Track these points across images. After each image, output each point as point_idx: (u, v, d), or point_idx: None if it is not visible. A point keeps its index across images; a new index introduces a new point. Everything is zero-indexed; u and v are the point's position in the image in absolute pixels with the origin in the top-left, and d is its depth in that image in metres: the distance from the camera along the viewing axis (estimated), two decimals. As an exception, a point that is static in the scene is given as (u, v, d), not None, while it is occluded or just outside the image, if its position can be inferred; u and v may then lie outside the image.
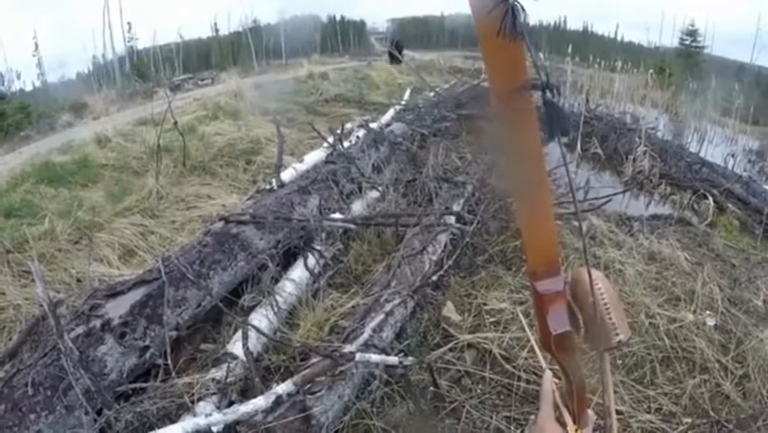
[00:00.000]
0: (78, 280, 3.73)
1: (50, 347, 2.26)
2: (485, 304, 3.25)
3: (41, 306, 2.61)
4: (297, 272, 3.10)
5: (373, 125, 6.99)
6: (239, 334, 2.53)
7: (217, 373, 2.38)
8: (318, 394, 2.15)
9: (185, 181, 5.70)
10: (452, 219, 3.82)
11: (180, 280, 2.66)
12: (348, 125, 7.09)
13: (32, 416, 2.02)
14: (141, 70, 30.62)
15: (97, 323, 2.38)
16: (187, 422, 1.94)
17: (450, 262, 3.39)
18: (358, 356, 2.23)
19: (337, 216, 3.61)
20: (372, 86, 13.17)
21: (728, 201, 6.75)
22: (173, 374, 2.42)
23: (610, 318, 0.82)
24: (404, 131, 6.46)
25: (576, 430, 0.89)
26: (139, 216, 4.78)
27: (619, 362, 3.04)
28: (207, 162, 6.14)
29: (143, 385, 2.34)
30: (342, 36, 39.34)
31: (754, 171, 9.36)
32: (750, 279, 4.47)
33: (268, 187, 4.28)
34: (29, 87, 29.94)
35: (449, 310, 3.13)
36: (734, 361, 3.24)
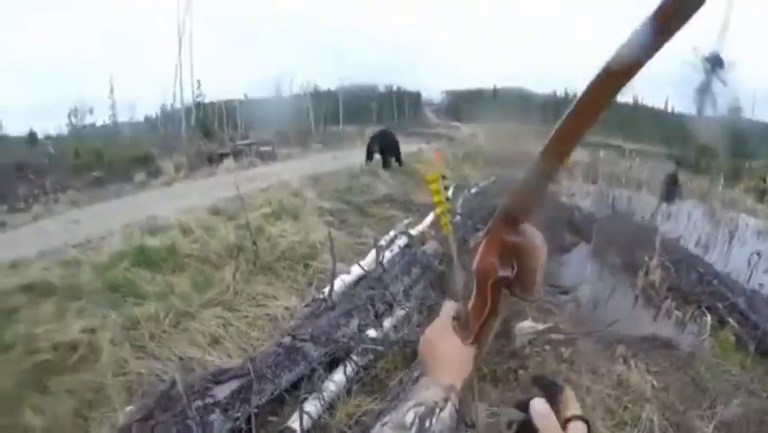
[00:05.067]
0: (180, 359, 5.52)
1: (179, 410, 3.99)
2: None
3: (165, 381, 4.41)
4: (338, 376, 4.80)
5: (413, 231, 8.86)
6: (296, 415, 4.20)
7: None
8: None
9: (254, 280, 7.40)
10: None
11: (262, 376, 4.40)
12: (391, 233, 8.89)
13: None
14: (206, 126, 33.86)
15: (210, 400, 4.13)
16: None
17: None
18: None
19: (372, 333, 5.35)
20: (419, 181, 14.93)
21: (731, 316, 7.36)
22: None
23: (539, 278, 1.01)
24: (435, 249, 8.16)
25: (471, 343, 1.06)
26: (220, 309, 6.47)
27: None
28: (273, 263, 7.92)
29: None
30: (398, 105, 41.91)
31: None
32: (711, 404, 5.10)
33: (320, 296, 6.10)
34: (99, 123, 33.51)
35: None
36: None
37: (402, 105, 41.23)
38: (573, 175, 17.01)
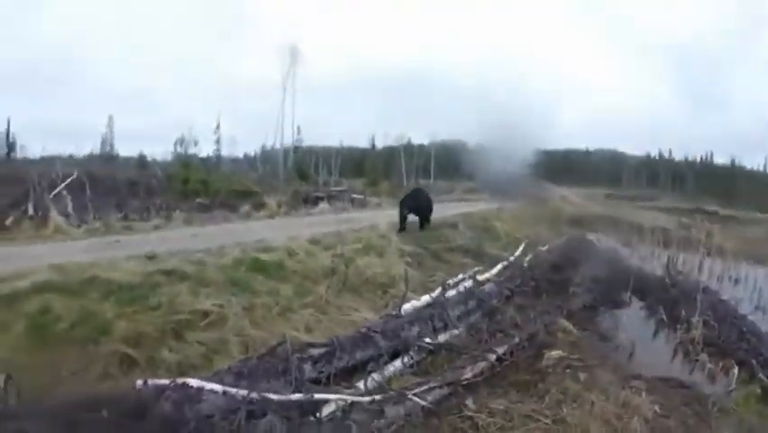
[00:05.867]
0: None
1: (284, 357, 5.76)
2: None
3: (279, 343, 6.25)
4: (397, 362, 6.49)
5: (480, 277, 10.42)
6: (361, 382, 5.89)
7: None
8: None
9: (342, 296, 9.35)
10: (492, 356, 6.97)
11: (343, 350, 6.15)
12: (459, 276, 10.52)
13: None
14: (303, 169, 36.75)
15: (305, 356, 5.90)
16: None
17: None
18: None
19: (427, 340, 7.02)
20: (493, 237, 16.44)
21: (763, 371, 7.84)
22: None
23: None
24: (493, 290, 9.72)
25: None
26: (313, 310, 8.46)
27: None
28: (358, 286, 9.89)
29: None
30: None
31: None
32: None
33: (393, 313, 7.83)
34: (202, 154, 36.90)
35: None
36: None
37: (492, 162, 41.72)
38: (648, 240, 17.93)
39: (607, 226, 20.24)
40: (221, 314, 7.65)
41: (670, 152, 42.65)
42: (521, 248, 13.93)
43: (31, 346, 6.63)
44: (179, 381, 4.93)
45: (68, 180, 19.06)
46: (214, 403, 4.74)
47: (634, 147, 43.33)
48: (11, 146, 34.26)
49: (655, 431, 5.86)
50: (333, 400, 5.18)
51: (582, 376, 6.99)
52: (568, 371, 7.06)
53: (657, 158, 43.19)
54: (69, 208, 17.53)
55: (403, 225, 16.11)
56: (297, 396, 5.04)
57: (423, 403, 5.46)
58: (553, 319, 8.87)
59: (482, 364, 6.59)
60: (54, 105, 50.35)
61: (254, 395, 4.84)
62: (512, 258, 12.95)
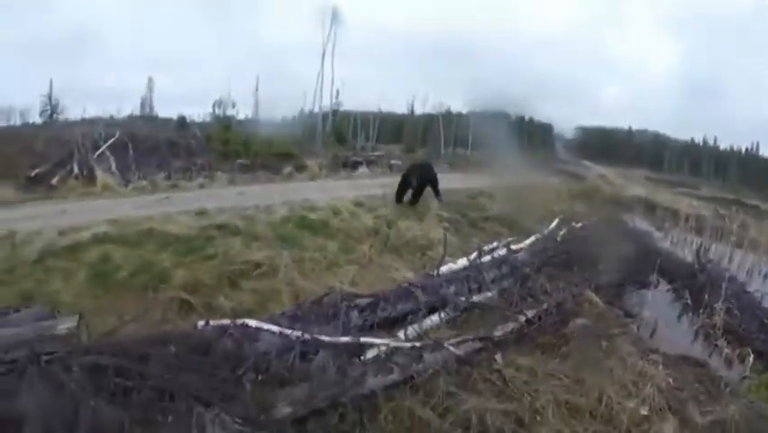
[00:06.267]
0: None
1: (331, 311, 6.39)
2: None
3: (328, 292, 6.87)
4: (435, 317, 7.09)
5: (514, 246, 10.86)
6: (402, 332, 6.50)
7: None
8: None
9: (384, 255, 10.06)
10: (522, 318, 7.49)
11: (386, 301, 6.76)
12: (494, 244, 10.98)
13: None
14: (341, 133, 37.18)
15: (352, 304, 6.53)
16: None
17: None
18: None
19: (462, 298, 7.59)
20: (528, 209, 16.69)
21: None
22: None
23: None
24: (525, 259, 10.20)
25: None
26: (357, 267, 9.17)
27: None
28: (399, 247, 10.55)
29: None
30: (529, 137, 41.79)
31: None
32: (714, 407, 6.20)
33: (431, 273, 8.40)
34: (240, 116, 37.63)
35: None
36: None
37: (532, 136, 41.11)
38: (682, 226, 18.07)
39: (642, 209, 20.34)
40: (272, 265, 8.44)
41: (715, 139, 41.43)
42: (555, 222, 14.04)
43: (93, 292, 7.50)
44: (239, 321, 5.60)
45: (111, 141, 20.08)
46: (270, 342, 5.42)
47: (677, 131, 42.07)
48: (53, 108, 35.31)
49: (668, 400, 6.19)
50: (377, 345, 5.85)
51: (604, 344, 7.42)
52: (591, 339, 7.49)
53: (701, 144, 42.05)
54: (113, 168, 18.61)
55: (415, 198, 15.23)
56: (345, 339, 5.74)
57: (457, 353, 6.05)
58: (581, 291, 9.24)
59: (512, 325, 7.19)
60: (94, 68, 51.34)
61: (307, 336, 5.53)
62: (546, 231, 13.23)
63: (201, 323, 5.72)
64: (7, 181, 15.91)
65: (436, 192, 15.97)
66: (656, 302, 10.91)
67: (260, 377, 5.00)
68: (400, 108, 46.32)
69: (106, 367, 4.20)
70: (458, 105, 44.57)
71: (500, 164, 19.74)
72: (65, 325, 5.20)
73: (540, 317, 7.63)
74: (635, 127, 42.24)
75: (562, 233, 13.56)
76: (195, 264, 8.37)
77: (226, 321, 5.67)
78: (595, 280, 10.32)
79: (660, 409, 5.99)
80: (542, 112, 36.82)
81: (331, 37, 33.46)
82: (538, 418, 5.59)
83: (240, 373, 4.87)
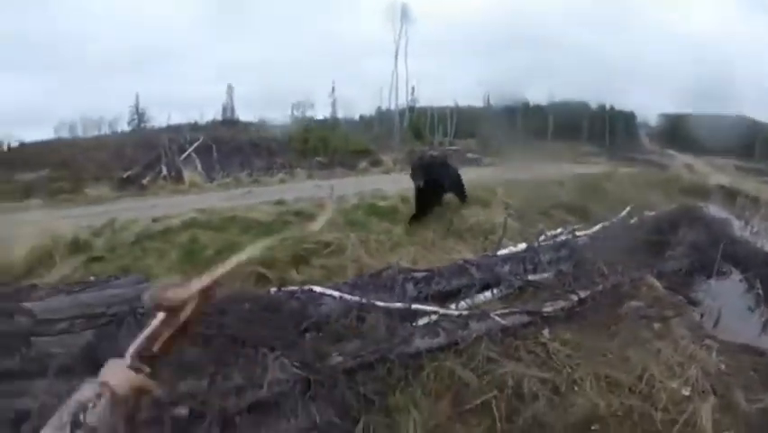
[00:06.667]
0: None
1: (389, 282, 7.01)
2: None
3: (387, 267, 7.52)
4: (487, 293, 7.57)
5: (579, 233, 11.10)
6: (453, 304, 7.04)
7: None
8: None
9: (447, 239, 10.67)
10: (574, 297, 7.81)
11: (441, 276, 7.34)
12: (558, 230, 11.28)
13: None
14: (418, 129, 37.87)
15: (410, 277, 7.15)
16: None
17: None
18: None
19: (516, 276, 8.02)
20: (602, 198, 16.68)
21: None
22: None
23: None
24: (587, 243, 10.43)
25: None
26: (420, 248, 9.84)
27: None
28: (462, 231, 11.11)
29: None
30: (611, 126, 40.57)
31: None
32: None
33: (490, 254, 8.86)
34: (319, 116, 39.18)
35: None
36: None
37: (615, 125, 39.88)
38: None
39: (725, 198, 19.74)
40: (340, 245, 9.32)
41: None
42: (626, 210, 13.94)
43: (182, 268, 8.69)
44: (305, 287, 6.53)
45: (196, 144, 21.83)
46: (331, 306, 6.20)
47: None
48: (140, 116, 38.17)
49: (713, 384, 6.14)
50: (428, 313, 6.48)
51: (656, 326, 7.58)
52: (643, 320, 7.65)
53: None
54: (199, 168, 20.27)
55: (422, 210, 11.93)
56: (397, 304, 6.43)
57: (503, 322, 6.52)
58: (641, 276, 9.25)
59: (563, 302, 7.49)
60: (176, 79, 55.99)
61: (364, 301, 6.25)
62: (615, 219, 13.25)
63: (273, 289, 6.69)
64: (102, 183, 17.98)
65: (460, 196, 13.40)
66: (725, 291, 10.67)
67: (320, 334, 5.78)
68: (477, 102, 46.36)
69: (191, 317, 5.07)
70: (535, 96, 44.04)
71: (573, 154, 19.67)
72: (157, 286, 6.21)
73: (593, 298, 7.82)
74: (724, 113, 39.78)
75: (632, 221, 13.55)
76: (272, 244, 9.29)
77: (294, 287, 6.59)
78: (659, 266, 10.29)
79: (702, 391, 5.97)
80: (624, 100, 35.85)
81: (402, 34, 34.19)
82: (575, 388, 5.85)
83: (302, 329, 5.68)
